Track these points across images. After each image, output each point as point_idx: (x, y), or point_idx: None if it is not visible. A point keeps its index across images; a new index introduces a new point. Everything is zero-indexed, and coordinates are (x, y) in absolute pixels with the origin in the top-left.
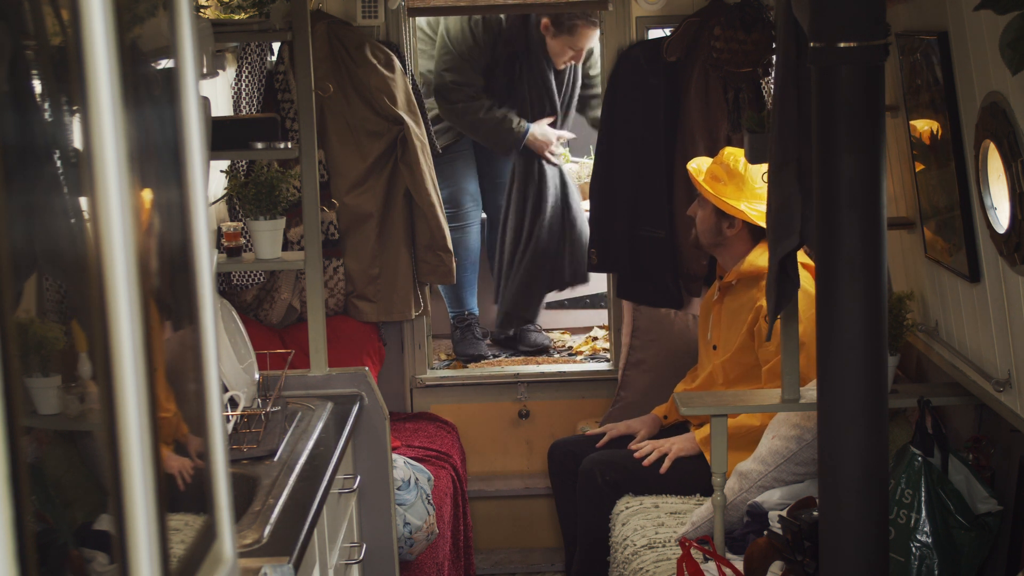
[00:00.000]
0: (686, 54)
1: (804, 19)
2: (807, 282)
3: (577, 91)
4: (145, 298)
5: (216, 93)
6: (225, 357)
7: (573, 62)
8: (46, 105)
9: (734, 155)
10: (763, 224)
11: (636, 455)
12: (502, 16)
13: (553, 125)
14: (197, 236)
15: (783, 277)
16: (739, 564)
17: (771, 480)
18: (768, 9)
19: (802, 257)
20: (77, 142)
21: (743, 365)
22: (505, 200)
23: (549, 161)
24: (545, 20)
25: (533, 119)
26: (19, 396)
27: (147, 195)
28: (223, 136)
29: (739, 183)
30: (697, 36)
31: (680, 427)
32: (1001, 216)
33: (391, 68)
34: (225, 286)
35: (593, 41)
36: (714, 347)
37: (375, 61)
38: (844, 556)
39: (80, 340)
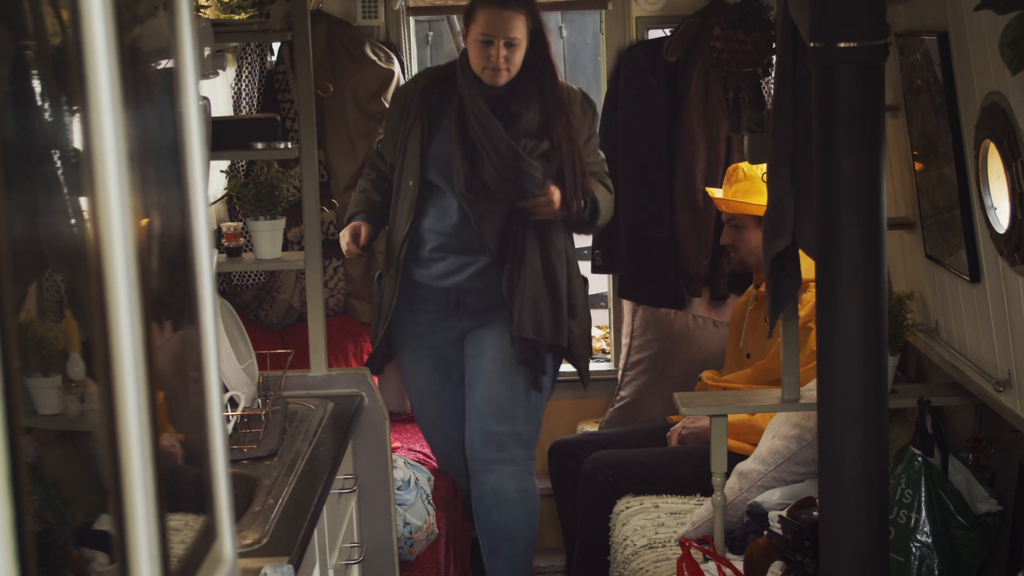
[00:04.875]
0: (686, 54)
1: (800, 20)
2: None
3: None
4: (145, 298)
5: (216, 93)
6: (225, 357)
7: (493, 70)
8: (46, 105)
9: (748, 167)
10: None
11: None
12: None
13: (565, 191)
14: (197, 236)
15: (782, 275)
16: (739, 564)
17: (771, 480)
18: (768, 9)
19: None
20: (77, 142)
21: (777, 373)
22: None
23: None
24: (460, 28)
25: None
26: (19, 396)
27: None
28: (223, 136)
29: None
30: (697, 36)
31: None
32: (1001, 216)
33: (390, 68)
34: (225, 286)
35: (512, 30)
36: (747, 355)
37: (375, 59)
38: (844, 556)
39: (80, 340)
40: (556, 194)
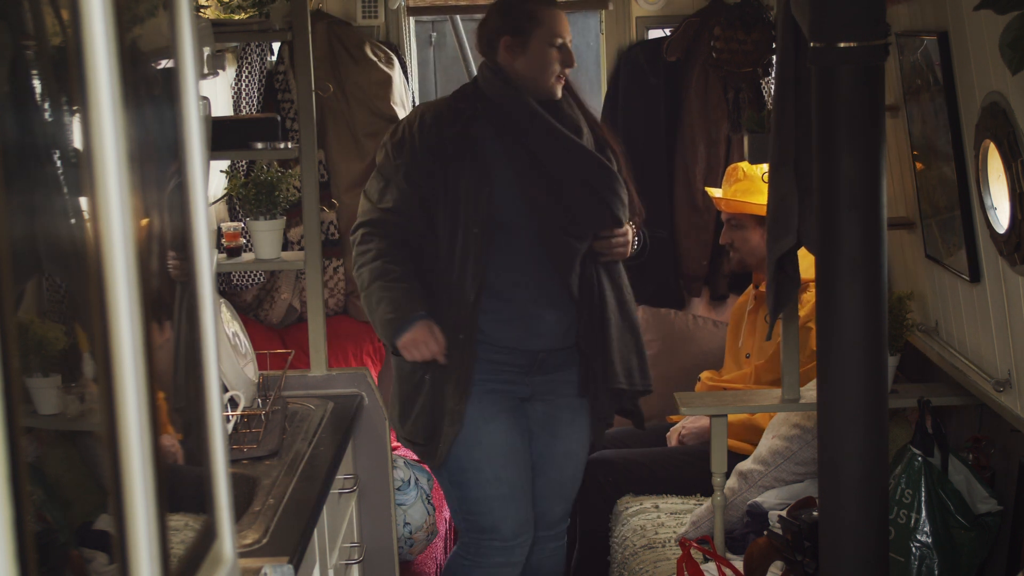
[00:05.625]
0: (686, 54)
1: (802, 19)
2: None
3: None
4: (145, 298)
5: (216, 93)
6: (225, 357)
7: (559, 77)
8: (46, 105)
9: (747, 166)
10: None
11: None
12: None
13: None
14: (197, 236)
15: (782, 276)
16: (739, 564)
17: (771, 480)
18: (768, 9)
19: None
20: (77, 142)
21: (777, 373)
22: None
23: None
24: (504, 38)
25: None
26: (19, 396)
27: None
28: (223, 136)
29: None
30: (697, 36)
31: None
32: (1001, 216)
33: (390, 67)
34: (225, 286)
35: (570, 31)
36: (747, 355)
37: (375, 59)
38: (844, 556)
39: (80, 340)
40: (630, 232)
